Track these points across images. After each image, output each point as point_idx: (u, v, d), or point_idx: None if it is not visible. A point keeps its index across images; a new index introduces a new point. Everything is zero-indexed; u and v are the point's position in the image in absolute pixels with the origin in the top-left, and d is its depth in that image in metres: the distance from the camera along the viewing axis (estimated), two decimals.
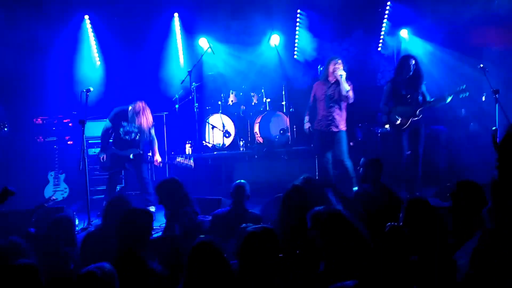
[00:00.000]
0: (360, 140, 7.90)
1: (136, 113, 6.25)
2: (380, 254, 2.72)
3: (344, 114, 6.35)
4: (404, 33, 8.55)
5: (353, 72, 8.99)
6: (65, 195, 7.12)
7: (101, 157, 6.33)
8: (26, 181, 7.23)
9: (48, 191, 7.09)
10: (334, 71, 6.25)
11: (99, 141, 7.51)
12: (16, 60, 7.82)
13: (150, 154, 6.43)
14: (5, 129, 6.04)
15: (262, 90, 8.25)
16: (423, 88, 6.26)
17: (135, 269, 3.01)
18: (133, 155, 6.28)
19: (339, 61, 6.29)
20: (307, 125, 6.69)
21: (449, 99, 6.04)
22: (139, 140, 6.35)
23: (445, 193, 5.23)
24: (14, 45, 7.80)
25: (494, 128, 5.66)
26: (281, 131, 7.94)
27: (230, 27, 8.58)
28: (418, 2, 8.34)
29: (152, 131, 6.43)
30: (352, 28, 8.73)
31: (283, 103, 8.28)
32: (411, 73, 6.18)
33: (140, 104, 6.28)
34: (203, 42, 8.48)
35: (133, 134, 6.33)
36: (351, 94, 6.21)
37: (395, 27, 8.70)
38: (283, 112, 8.16)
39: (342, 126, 6.33)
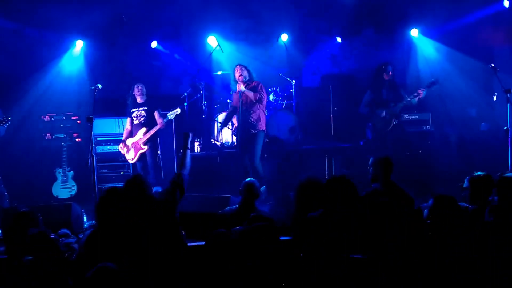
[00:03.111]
0: (370, 140, 7.84)
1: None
2: None
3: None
4: (414, 32, 8.49)
5: (362, 71, 8.99)
6: (73, 192, 7.11)
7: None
8: (34, 178, 7.25)
9: (56, 188, 7.09)
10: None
11: (107, 138, 7.60)
12: (25, 57, 7.86)
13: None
14: (9, 122, 6.07)
15: (270, 89, 8.20)
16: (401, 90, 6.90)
17: None
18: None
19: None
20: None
21: (424, 93, 6.59)
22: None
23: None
24: (24, 43, 7.85)
25: (505, 128, 5.60)
26: (290, 130, 7.90)
27: (239, 25, 8.56)
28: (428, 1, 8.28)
29: None
30: (362, 27, 8.66)
31: (292, 101, 8.23)
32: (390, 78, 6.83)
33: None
34: (212, 40, 8.46)
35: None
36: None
37: (405, 26, 8.62)
38: (292, 111, 8.11)
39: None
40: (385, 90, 6.88)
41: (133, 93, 6.89)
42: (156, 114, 6.80)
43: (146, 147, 6.68)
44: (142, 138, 6.68)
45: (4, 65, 7.54)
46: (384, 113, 6.84)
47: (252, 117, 6.49)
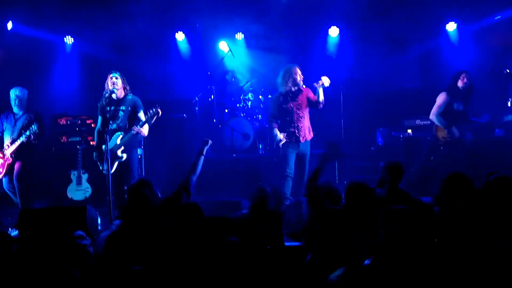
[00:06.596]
0: (381, 145, 7.83)
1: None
2: None
3: None
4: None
5: (373, 76, 8.97)
6: (87, 194, 7.21)
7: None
8: (49, 180, 7.37)
9: (71, 190, 7.21)
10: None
11: None
12: (41, 63, 8.02)
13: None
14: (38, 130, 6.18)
15: None
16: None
17: None
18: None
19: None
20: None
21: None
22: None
23: None
24: (38, 49, 8.00)
25: None
26: None
27: (250, 30, 8.62)
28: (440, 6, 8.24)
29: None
30: (375, 33, 8.65)
31: None
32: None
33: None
34: (223, 46, 8.54)
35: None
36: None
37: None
38: None
39: None
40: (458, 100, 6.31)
41: (106, 87, 5.43)
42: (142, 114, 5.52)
43: (124, 155, 5.56)
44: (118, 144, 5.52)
45: (21, 71, 7.71)
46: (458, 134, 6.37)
47: None
